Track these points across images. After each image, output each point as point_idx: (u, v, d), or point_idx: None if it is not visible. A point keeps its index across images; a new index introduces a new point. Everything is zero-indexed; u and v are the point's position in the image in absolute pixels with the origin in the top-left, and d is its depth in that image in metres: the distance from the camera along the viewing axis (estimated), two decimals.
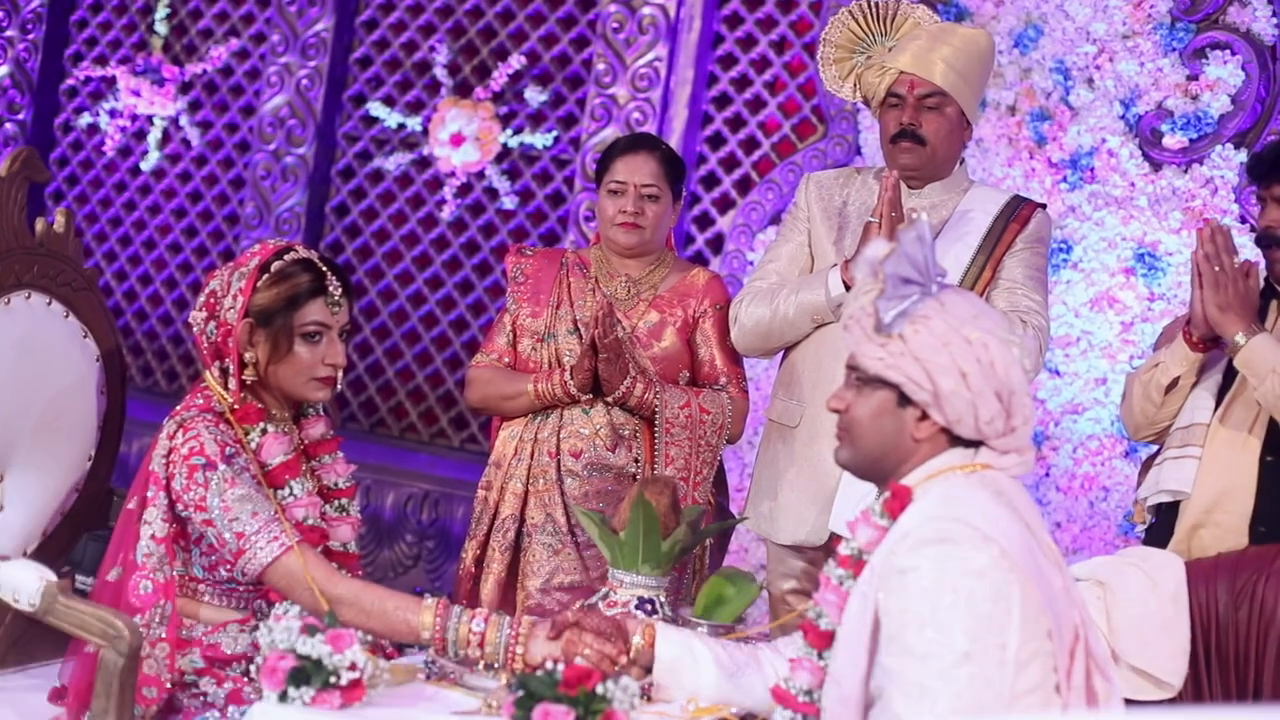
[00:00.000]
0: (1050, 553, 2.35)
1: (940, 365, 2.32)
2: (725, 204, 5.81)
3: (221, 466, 2.82)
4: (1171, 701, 3.19)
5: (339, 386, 3.03)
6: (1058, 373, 5.07)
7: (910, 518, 2.32)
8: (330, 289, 2.98)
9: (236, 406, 2.93)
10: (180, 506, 2.84)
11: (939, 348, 2.32)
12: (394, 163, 6.29)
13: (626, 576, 2.94)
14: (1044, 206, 3.81)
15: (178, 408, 2.94)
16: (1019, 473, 2.39)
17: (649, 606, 2.91)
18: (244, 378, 2.93)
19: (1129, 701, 2.89)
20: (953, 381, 2.32)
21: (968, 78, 3.67)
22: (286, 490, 2.94)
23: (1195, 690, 3.21)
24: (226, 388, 2.93)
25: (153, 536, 2.85)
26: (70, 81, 6.84)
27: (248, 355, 2.93)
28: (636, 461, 3.78)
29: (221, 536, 2.82)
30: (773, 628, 3.28)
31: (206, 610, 2.91)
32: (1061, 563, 2.38)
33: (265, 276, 2.94)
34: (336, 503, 3.08)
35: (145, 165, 6.71)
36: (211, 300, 2.96)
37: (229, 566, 2.87)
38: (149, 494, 2.87)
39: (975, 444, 2.37)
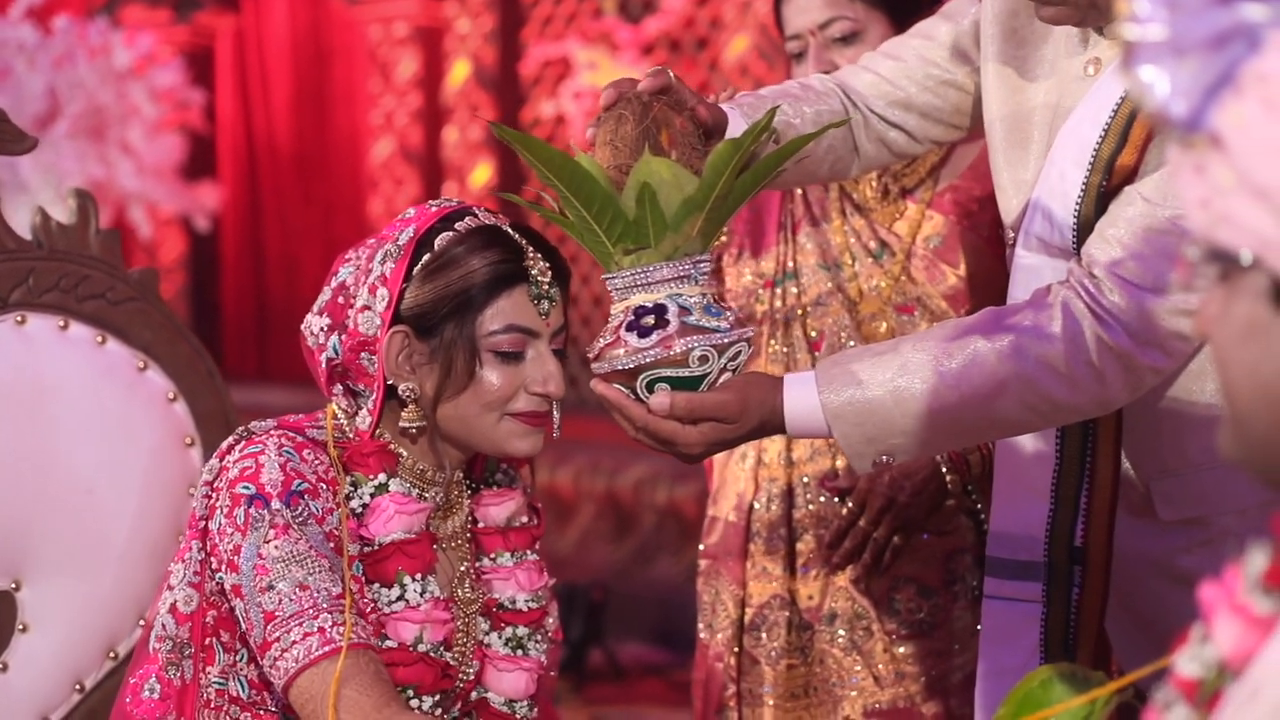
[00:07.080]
0: None
1: None
2: None
3: (275, 504, 1.75)
4: None
5: (556, 429, 1.85)
6: None
7: None
8: (534, 274, 1.83)
9: (353, 438, 1.84)
10: (214, 562, 1.79)
11: None
12: None
13: (621, 276, 1.75)
14: None
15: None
16: None
17: (657, 315, 1.73)
18: (407, 424, 1.82)
19: None
20: None
21: None
22: (395, 590, 1.81)
23: None
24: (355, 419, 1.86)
25: (173, 609, 1.82)
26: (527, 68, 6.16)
27: (403, 386, 1.82)
28: None
29: (247, 614, 1.74)
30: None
31: None
32: None
33: (427, 257, 1.81)
34: (510, 632, 1.92)
35: None
36: (339, 298, 1.86)
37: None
38: (180, 543, 1.87)
39: None
